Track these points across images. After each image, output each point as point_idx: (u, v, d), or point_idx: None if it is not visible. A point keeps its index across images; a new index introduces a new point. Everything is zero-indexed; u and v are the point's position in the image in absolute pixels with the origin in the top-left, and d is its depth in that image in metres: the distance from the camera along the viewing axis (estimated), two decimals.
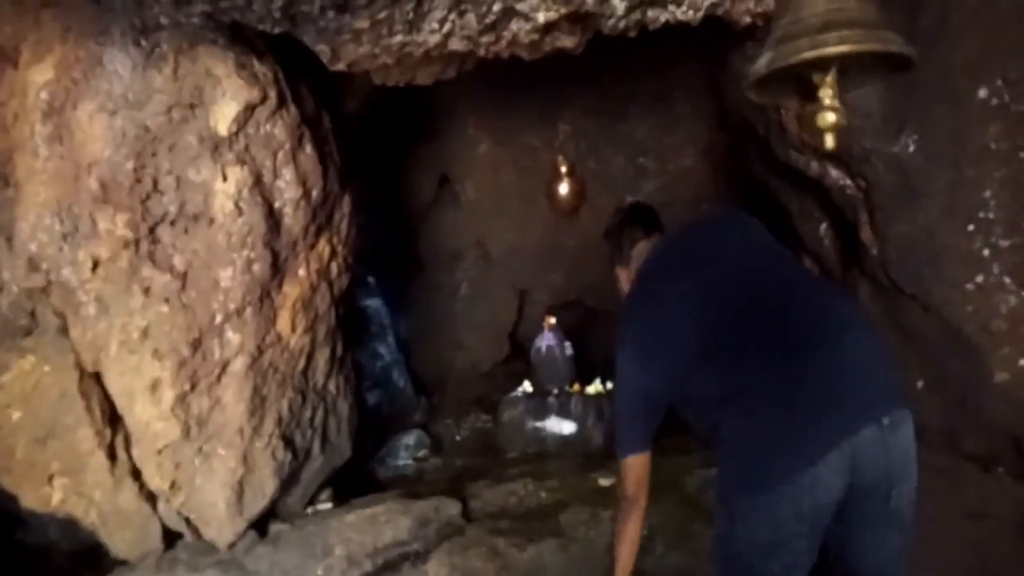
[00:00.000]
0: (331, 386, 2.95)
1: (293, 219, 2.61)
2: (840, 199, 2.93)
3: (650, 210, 2.13)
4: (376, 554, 2.62)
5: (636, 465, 1.79)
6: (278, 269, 2.60)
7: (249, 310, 2.51)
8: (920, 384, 2.89)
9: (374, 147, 4.47)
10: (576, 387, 4.43)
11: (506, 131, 5.05)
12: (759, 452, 1.51)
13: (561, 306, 5.37)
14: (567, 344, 4.64)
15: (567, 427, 4.22)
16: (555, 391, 4.39)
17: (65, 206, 2.36)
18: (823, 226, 3.23)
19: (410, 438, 4.47)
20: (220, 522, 2.53)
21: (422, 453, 4.40)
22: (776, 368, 1.53)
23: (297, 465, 2.75)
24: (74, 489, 2.53)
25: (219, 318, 2.46)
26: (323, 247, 2.81)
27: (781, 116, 2.91)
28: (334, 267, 2.91)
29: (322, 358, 2.87)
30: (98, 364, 2.48)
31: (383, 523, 2.72)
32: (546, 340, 4.62)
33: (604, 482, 3.38)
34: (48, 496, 2.54)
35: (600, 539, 2.79)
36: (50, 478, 2.53)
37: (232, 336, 2.49)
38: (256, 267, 2.50)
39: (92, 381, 2.51)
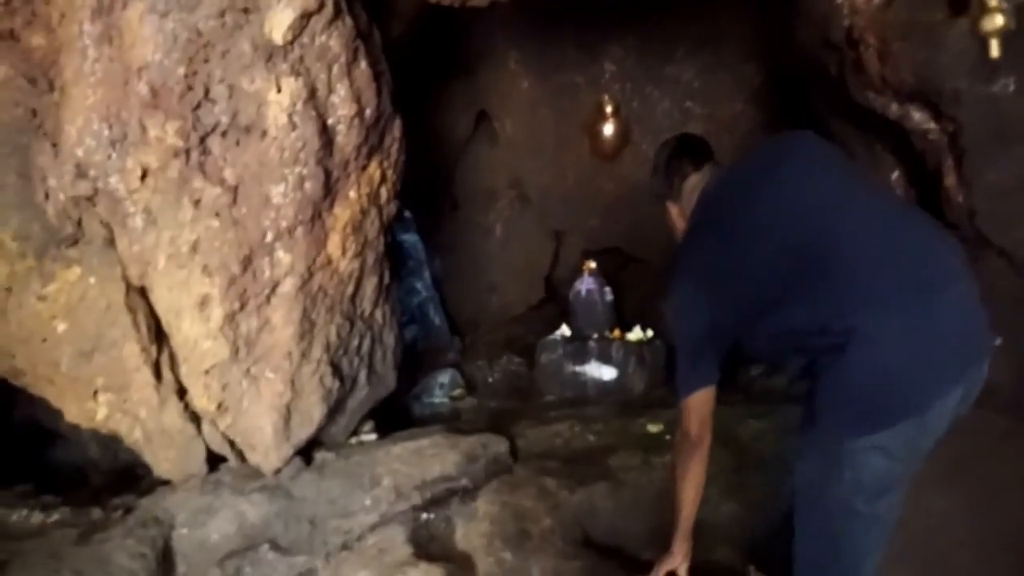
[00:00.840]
0: (378, 315, 2.86)
1: (346, 137, 2.48)
2: (921, 143, 2.76)
3: (702, 141, 2.01)
4: (424, 487, 2.56)
5: (700, 403, 1.73)
6: (330, 189, 2.49)
7: (300, 229, 2.41)
8: (997, 341, 2.76)
9: (415, 76, 4.32)
10: (616, 333, 4.33)
11: (548, 68, 4.86)
12: (878, 388, 1.44)
13: (598, 252, 5.23)
14: (607, 289, 4.54)
15: (607, 372, 4.14)
16: (594, 336, 4.29)
17: (114, 111, 2.24)
18: (895, 174, 3.07)
19: (444, 377, 4.42)
20: (266, 447, 2.47)
21: (457, 392, 4.35)
22: (889, 305, 1.44)
23: (344, 393, 2.68)
24: (119, 406, 2.47)
25: (270, 236, 2.36)
26: (374, 170, 2.70)
27: (860, 54, 2.74)
28: (383, 192, 2.79)
29: (370, 285, 2.77)
30: (145, 278, 2.39)
31: (430, 456, 2.66)
32: (586, 284, 4.53)
33: (653, 428, 3.30)
34: (92, 412, 2.49)
35: (651, 485, 2.72)
36: (95, 393, 2.47)
37: (283, 255, 2.39)
38: (308, 185, 2.39)
39: (138, 295, 2.43)
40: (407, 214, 4.79)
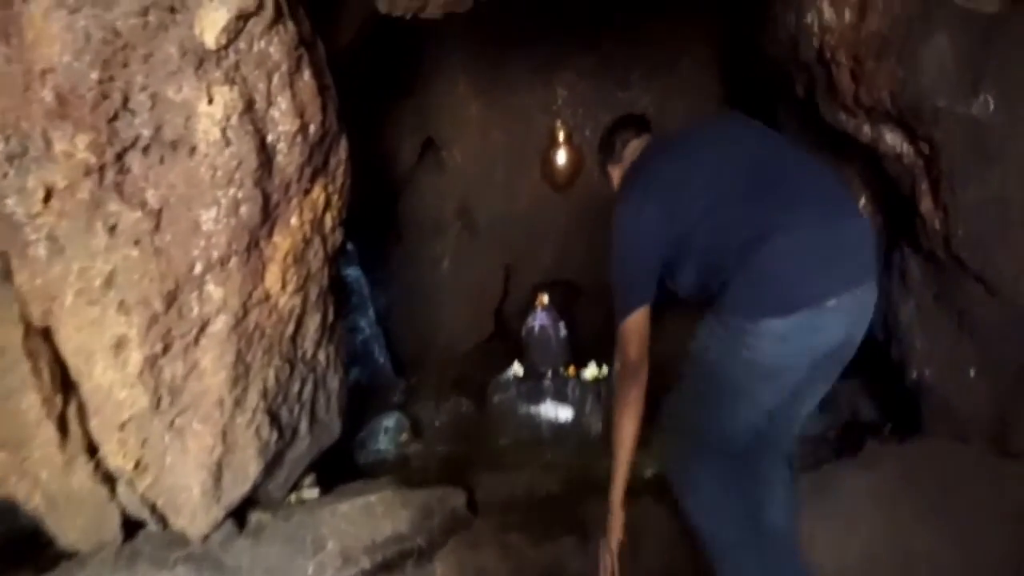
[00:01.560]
0: (321, 356, 2.56)
1: (287, 157, 2.21)
2: (894, 167, 2.66)
3: (642, 116, 2.29)
4: (374, 550, 2.27)
5: (637, 323, 1.82)
6: (268, 215, 2.20)
7: (234, 260, 2.11)
8: (972, 372, 2.65)
9: (357, 96, 4.07)
10: (571, 370, 4.11)
11: (499, 91, 4.69)
12: (778, 283, 1.62)
13: (548, 284, 5.04)
14: (561, 324, 4.32)
15: (563, 413, 3.90)
16: (548, 374, 4.06)
17: (11, 120, 1.92)
18: (862, 200, 2.96)
19: (390, 421, 4.10)
20: (193, 509, 2.13)
21: (403, 438, 4.03)
22: (799, 224, 1.65)
23: (282, 445, 2.37)
24: (15, 466, 2.11)
25: (199, 267, 2.06)
26: (318, 194, 2.42)
27: (832, 72, 2.63)
28: (328, 219, 2.52)
29: (312, 324, 2.48)
30: (49, 317, 2.05)
31: (380, 514, 2.36)
32: (539, 319, 4.29)
33: None
34: None
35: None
36: None
37: (214, 290, 2.09)
38: (244, 209, 2.10)
39: (40, 337, 2.08)
40: (349, 247, 4.49)
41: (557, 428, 3.90)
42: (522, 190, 4.86)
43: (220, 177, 2.04)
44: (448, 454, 3.78)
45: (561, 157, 4.47)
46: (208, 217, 2.05)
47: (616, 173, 2.12)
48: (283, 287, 2.28)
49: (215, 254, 2.06)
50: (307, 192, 2.36)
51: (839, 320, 1.64)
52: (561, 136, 4.48)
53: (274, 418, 2.30)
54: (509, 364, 4.17)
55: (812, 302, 1.61)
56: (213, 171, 2.03)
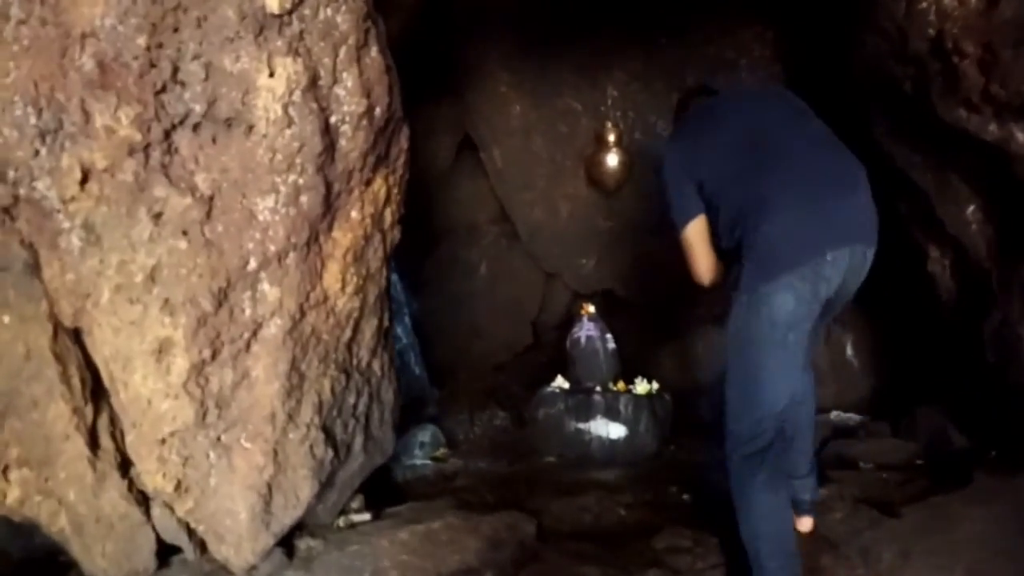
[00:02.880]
0: (376, 365, 2.31)
1: (351, 142, 1.97)
2: None
3: (715, 89, 2.48)
4: None
5: (699, 231, 2.05)
6: (329, 206, 1.96)
7: (292, 256, 1.87)
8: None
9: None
10: (620, 385, 3.84)
11: (543, 92, 4.45)
12: (785, 245, 1.85)
13: (590, 295, 4.78)
14: (609, 336, 4.05)
15: (615, 430, 3.63)
16: (597, 388, 3.80)
17: (45, 91, 1.68)
18: (970, 208, 2.69)
19: (425, 434, 3.86)
20: (239, 536, 1.87)
21: (440, 452, 3.80)
22: (802, 194, 1.88)
23: (336, 464, 2.11)
24: (38, 485, 1.86)
25: (253, 263, 1.81)
26: (379, 186, 2.18)
27: (955, 65, 2.35)
28: (388, 214, 2.28)
29: (369, 329, 2.23)
30: (81, 317, 1.80)
31: (445, 543, 2.10)
32: (586, 330, 4.02)
33: (688, 497, 2.81)
34: (2, 491, 1.86)
35: (711, 572, 2.22)
36: (5, 469, 1.86)
37: (269, 289, 1.84)
38: (305, 198, 1.86)
39: (70, 340, 1.84)
40: None
41: (607, 446, 3.63)
42: (564, 195, 4.61)
43: (280, 161, 1.80)
44: (493, 472, 3.52)
45: (612, 159, 4.21)
46: (265, 206, 1.80)
47: None
48: (342, 288, 2.03)
49: (272, 248, 1.81)
50: (368, 183, 2.12)
51: (838, 270, 1.88)
52: (612, 137, 4.23)
53: (328, 434, 2.05)
54: (547, 377, 3.93)
55: (815, 253, 1.84)
56: (272, 154, 1.79)
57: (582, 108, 4.42)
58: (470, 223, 4.80)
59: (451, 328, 4.72)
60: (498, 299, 4.75)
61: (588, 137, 4.43)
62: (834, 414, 3.86)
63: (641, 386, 3.81)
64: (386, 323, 2.35)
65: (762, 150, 1.96)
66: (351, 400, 2.16)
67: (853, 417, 3.86)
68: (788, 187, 1.88)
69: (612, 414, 3.66)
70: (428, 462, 3.70)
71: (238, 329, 1.80)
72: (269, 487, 1.89)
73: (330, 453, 2.04)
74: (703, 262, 2.08)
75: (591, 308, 4.13)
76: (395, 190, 2.29)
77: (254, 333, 1.83)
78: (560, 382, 3.90)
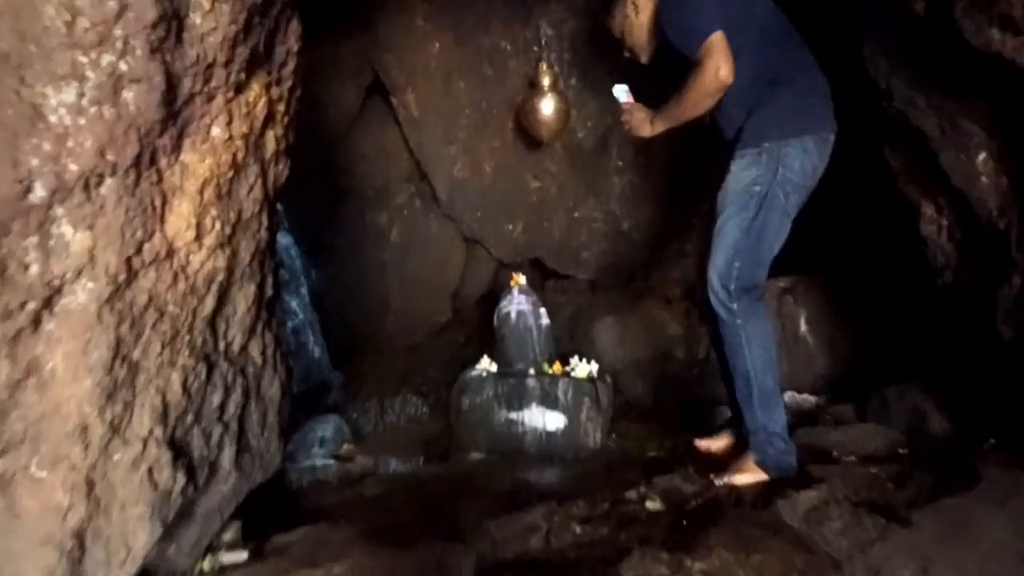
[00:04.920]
0: (253, 350, 1.66)
1: (210, 16, 1.31)
2: None
3: None
4: None
5: (721, 40, 1.99)
6: (174, 113, 1.30)
7: (110, 183, 1.20)
8: None
9: None
10: (557, 367, 3.32)
11: (467, 27, 3.85)
12: (803, 105, 2.08)
13: (518, 265, 4.25)
14: (543, 311, 3.52)
15: (553, 420, 3.10)
16: (530, 371, 3.27)
17: None
18: (981, 156, 2.26)
19: (326, 428, 3.30)
20: None
21: (344, 449, 3.23)
22: (803, 72, 2.13)
23: (193, 492, 1.46)
24: None
25: (41, 190, 1.14)
26: (256, 96, 1.53)
27: None
28: (270, 139, 1.63)
29: (242, 300, 1.59)
30: None
31: None
32: (516, 304, 3.47)
33: (652, 505, 2.30)
34: None
35: None
36: None
37: (71, 233, 1.18)
38: (131, 95, 1.20)
39: None
40: (278, 207, 3.56)
41: (544, 439, 3.11)
42: (489, 150, 4.03)
43: (86, 30, 1.13)
44: (409, 474, 2.95)
45: (546, 107, 3.64)
46: (60, 101, 1.13)
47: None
48: (197, 238, 1.38)
49: (72, 168, 1.15)
50: (239, 89, 1.47)
51: (824, 157, 2.08)
52: (546, 81, 3.66)
53: (180, 451, 1.40)
54: (470, 358, 3.42)
55: (823, 128, 2.07)
56: (71, 16, 1.12)
57: (512, 47, 3.84)
58: (379, 181, 4.15)
59: (357, 302, 4.10)
60: (412, 269, 4.16)
61: (518, 84, 3.86)
62: (788, 395, 3.47)
63: (580, 368, 3.30)
64: (269, 291, 1.71)
65: (780, 28, 2.15)
66: (215, 400, 1.50)
67: (808, 399, 3.50)
68: (800, 71, 2.12)
69: (549, 401, 3.13)
70: (330, 462, 3.13)
71: (16, 296, 1.13)
72: (79, 538, 1.23)
73: (182, 479, 1.39)
74: (727, 64, 2.01)
75: (521, 279, 3.58)
76: (280, 106, 1.64)
77: (46, 303, 1.16)
78: (486, 364, 3.34)
